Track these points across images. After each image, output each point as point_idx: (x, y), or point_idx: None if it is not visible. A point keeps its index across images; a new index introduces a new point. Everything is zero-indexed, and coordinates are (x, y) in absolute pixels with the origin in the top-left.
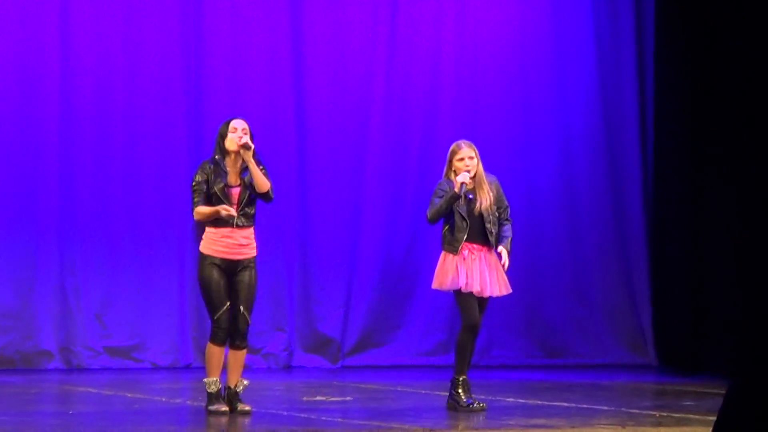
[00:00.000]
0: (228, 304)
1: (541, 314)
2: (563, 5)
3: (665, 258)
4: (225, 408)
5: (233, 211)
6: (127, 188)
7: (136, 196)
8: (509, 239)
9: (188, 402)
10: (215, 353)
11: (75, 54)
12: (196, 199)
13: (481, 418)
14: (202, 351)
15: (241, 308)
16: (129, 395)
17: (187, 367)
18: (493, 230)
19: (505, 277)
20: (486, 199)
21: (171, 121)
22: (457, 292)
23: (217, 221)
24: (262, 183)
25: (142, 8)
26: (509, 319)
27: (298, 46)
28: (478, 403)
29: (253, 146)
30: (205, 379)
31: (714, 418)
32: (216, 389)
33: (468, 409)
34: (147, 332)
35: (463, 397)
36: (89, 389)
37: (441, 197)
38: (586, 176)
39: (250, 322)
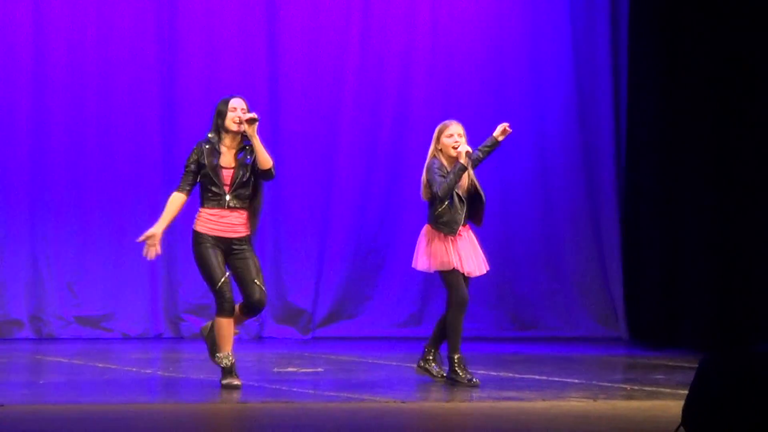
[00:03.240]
0: (228, 274)
1: (513, 287)
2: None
3: (638, 231)
4: (238, 382)
5: (150, 250)
6: (99, 157)
7: (109, 165)
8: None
9: (159, 372)
10: (224, 326)
11: (47, 35)
12: (180, 183)
13: (452, 391)
14: (173, 321)
15: (255, 281)
16: (99, 365)
17: (158, 337)
18: (477, 208)
19: (483, 255)
20: (472, 179)
21: (144, 93)
22: (446, 271)
23: (211, 200)
24: (265, 159)
25: None
26: (481, 292)
27: (271, 32)
28: (476, 379)
29: (258, 119)
30: (217, 354)
31: (685, 392)
32: (229, 363)
33: (470, 385)
34: (118, 302)
35: (461, 374)
36: (59, 359)
37: (444, 174)
38: (558, 149)
39: (266, 292)
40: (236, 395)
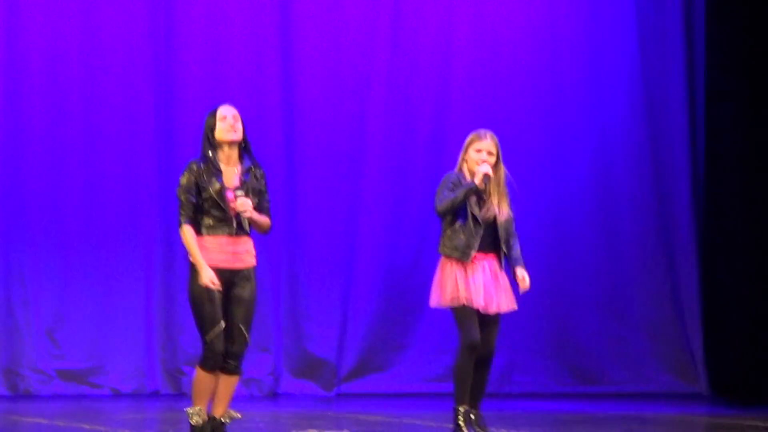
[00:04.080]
0: (224, 324)
1: (571, 333)
2: None
3: (718, 270)
4: None
5: (216, 284)
6: (84, 184)
7: (95, 193)
8: (520, 257)
9: None
10: (204, 380)
11: (24, 37)
12: (182, 214)
13: None
14: (172, 375)
15: (240, 326)
16: (86, 427)
17: (154, 395)
18: (509, 240)
19: (511, 291)
20: (505, 210)
21: (136, 108)
22: (455, 308)
23: (215, 227)
24: (263, 230)
25: None
26: (533, 339)
27: (285, 23)
28: None
29: (244, 212)
30: (187, 409)
31: None
32: (200, 421)
33: None
34: (107, 353)
35: (465, 431)
36: (39, 420)
37: (451, 189)
38: (623, 168)
39: (249, 342)
40: None
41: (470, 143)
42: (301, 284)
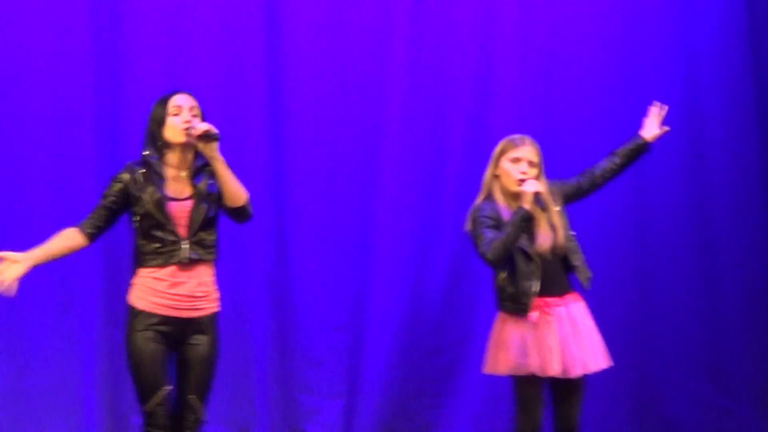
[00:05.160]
0: (168, 388)
1: (657, 403)
2: None
3: None
4: None
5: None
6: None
7: (22, 200)
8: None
9: None
10: None
11: None
12: (83, 220)
13: None
14: None
15: (191, 397)
16: None
17: None
18: (578, 264)
19: (600, 340)
20: (560, 230)
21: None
22: (518, 378)
23: (156, 255)
24: (236, 192)
25: None
26: (607, 409)
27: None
28: None
29: (219, 135)
30: None
31: None
32: None
33: None
34: None
35: None
36: None
37: (497, 224)
38: (725, 193)
39: (203, 418)
40: None
41: (502, 152)
42: (291, 339)
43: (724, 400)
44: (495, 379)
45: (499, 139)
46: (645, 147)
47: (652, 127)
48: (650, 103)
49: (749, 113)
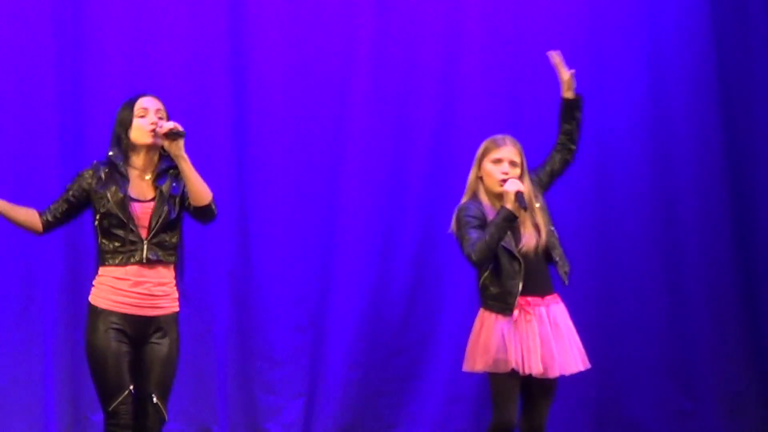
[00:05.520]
0: (131, 387)
1: (620, 406)
2: None
3: None
4: None
5: None
6: None
7: None
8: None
9: None
10: None
11: None
12: (49, 205)
13: None
14: None
15: (153, 396)
16: None
17: None
18: (558, 259)
19: (580, 344)
20: (543, 228)
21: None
22: (495, 375)
23: (116, 254)
24: (201, 191)
25: None
26: (570, 411)
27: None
28: None
29: (184, 132)
30: None
31: None
32: None
33: None
34: None
35: None
36: None
37: (481, 224)
38: (690, 193)
39: (166, 417)
40: None
41: (484, 154)
42: (253, 337)
43: (687, 403)
44: (457, 380)
45: (464, 137)
46: (572, 103)
47: (565, 83)
48: (615, 102)
49: (713, 111)
